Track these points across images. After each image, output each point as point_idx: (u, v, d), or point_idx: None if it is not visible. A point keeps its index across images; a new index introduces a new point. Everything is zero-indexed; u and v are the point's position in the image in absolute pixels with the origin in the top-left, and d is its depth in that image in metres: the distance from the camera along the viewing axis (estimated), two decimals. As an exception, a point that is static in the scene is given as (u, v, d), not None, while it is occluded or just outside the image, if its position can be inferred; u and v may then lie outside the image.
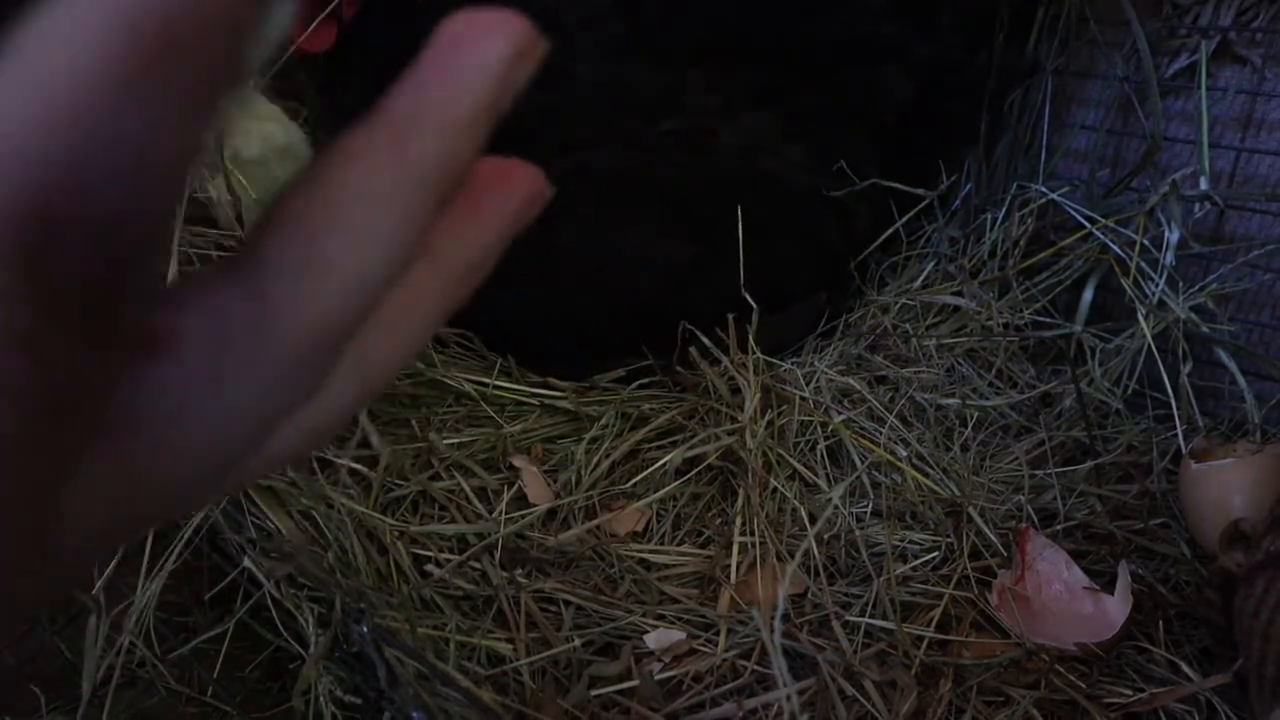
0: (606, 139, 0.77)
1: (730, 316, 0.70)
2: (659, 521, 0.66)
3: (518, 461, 0.67)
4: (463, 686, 0.46)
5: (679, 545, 0.64)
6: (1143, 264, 0.79)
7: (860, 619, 0.57)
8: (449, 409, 0.74)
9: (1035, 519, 0.67)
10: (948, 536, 0.64)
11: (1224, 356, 0.79)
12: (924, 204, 0.87)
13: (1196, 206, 0.82)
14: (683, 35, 0.79)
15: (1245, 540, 0.55)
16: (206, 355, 0.15)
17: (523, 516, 0.63)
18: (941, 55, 0.85)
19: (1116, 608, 0.58)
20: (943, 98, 0.87)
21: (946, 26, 0.84)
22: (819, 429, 0.70)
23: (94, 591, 0.52)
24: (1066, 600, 0.61)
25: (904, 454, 0.68)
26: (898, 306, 0.87)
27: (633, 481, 0.68)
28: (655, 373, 0.78)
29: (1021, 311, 0.84)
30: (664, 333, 0.74)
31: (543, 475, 0.67)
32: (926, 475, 0.68)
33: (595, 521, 0.64)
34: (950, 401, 0.77)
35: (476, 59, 0.16)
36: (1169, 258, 0.78)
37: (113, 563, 0.53)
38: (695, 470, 0.68)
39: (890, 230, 0.87)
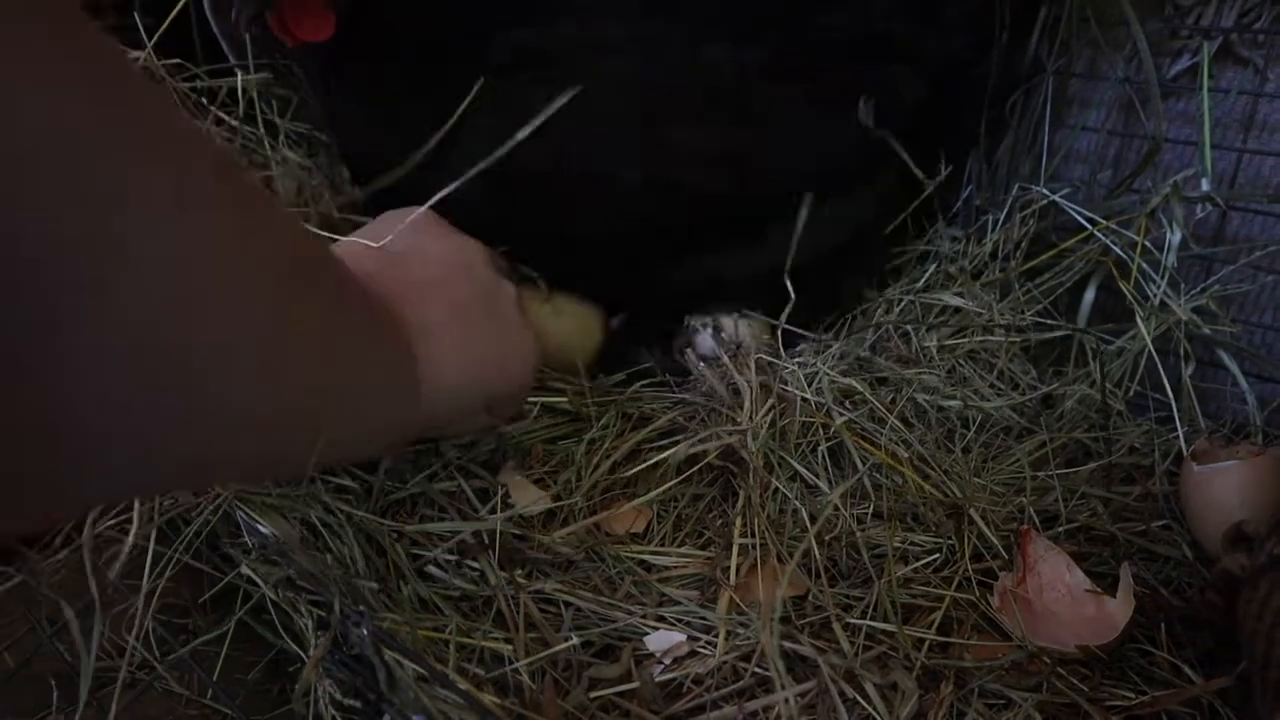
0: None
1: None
2: (659, 522, 0.66)
3: (503, 477, 0.66)
4: (463, 689, 0.46)
5: (679, 546, 0.64)
6: (1144, 265, 0.78)
7: (861, 621, 0.57)
8: (449, 410, 0.73)
9: (1037, 521, 0.67)
10: (949, 538, 0.64)
11: (1226, 358, 0.79)
12: (925, 195, 0.86)
13: (1198, 208, 0.82)
14: (698, 9, 0.78)
15: (1248, 542, 0.55)
16: None
17: (522, 517, 0.63)
18: (953, 53, 0.84)
19: (1118, 610, 0.58)
20: (952, 95, 0.87)
21: (957, 23, 0.84)
22: (820, 430, 0.70)
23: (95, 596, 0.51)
24: (1068, 602, 0.61)
25: (905, 455, 0.68)
26: (899, 307, 0.87)
27: (633, 481, 0.68)
28: (656, 373, 0.78)
29: (1023, 313, 0.84)
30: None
31: (530, 483, 0.66)
32: (928, 477, 0.68)
33: (595, 519, 0.64)
34: (952, 403, 0.77)
35: None
36: (1170, 259, 0.78)
37: (113, 572, 0.52)
38: (696, 469, 0.68)
39: (896, 221, 0.87)
